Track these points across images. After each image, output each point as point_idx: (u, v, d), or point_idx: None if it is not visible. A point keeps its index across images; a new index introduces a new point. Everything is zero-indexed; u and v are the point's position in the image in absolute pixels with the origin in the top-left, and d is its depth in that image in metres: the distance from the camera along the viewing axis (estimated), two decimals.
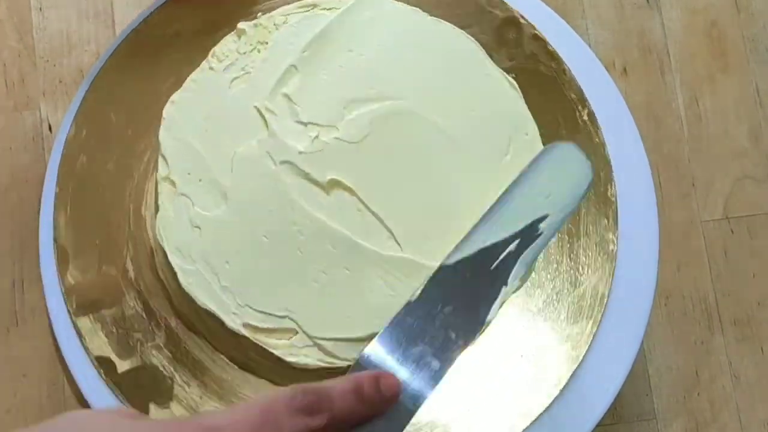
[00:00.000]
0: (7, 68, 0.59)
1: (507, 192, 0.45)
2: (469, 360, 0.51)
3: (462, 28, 0.54)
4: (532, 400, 0.50)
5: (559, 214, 0.44)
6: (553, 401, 0.50)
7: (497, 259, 0.43)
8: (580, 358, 0.51)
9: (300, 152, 0.50)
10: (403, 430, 0.38)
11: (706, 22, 0.63)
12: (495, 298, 0.42)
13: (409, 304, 0.42)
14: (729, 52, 0.62)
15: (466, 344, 0.41)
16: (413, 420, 0.38)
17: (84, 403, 0.53)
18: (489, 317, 0.42)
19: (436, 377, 0.40)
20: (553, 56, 0.55)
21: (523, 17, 0.56)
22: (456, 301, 0.42)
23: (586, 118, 0.54)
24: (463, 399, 0.50)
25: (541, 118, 0.53)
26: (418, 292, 0.42)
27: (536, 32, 0.56)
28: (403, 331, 0.41)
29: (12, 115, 0.58)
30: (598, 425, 0.51)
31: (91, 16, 0.60)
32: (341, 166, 0.50)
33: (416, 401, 0.39)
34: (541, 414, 0.50)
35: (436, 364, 0.40)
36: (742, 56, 0.62)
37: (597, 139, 0.54)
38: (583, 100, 0.55)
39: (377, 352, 0.40)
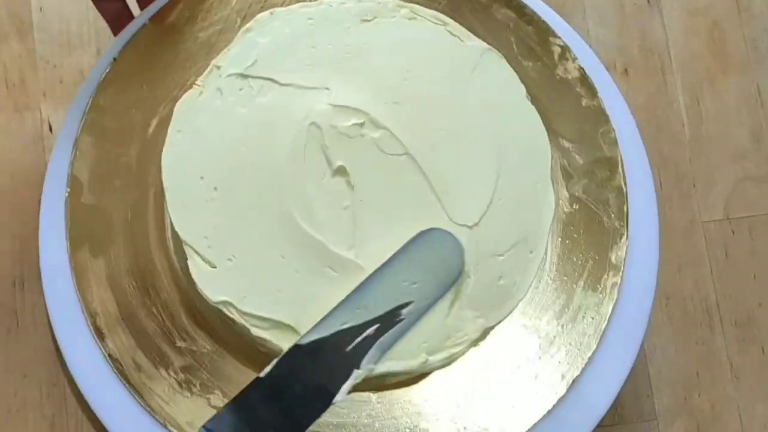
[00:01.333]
0: (7, 69, 0.59)
1: (373, 274, 0.44)
2: (471, 362, 0.51)
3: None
4: (534, 401, 0.50)
5: (423, 301, 0.44)
6: (555, 402, 0.50)
7: (353, 342, 0.42)
8: (582, 359, 0.51)
9: None
10: None
11: (707, 23, 0.62)
12: (345, 380, 0.42)
13: (258, 379, 0.41)
14: (730, 52, 0.62)
15: (309, 424, 0.41)
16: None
17: (84, 404, 0.53)
18: (337, 399, 0.41)
19: None
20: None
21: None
22: (306, 381, 0.41)
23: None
24: (464, 400, 0.50)
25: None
26: (269, 368, 0.41)
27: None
28: (248, 407, 0.40)
29: (12, 115, 0.58)
30: (599, 426, 0.51)
31: (91, 16, 0.60)
32: None
33: None
34: (542, 415, 0.50)
35: None
36: (743, 57, 0.62)
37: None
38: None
39: (221, 425, 0.40)
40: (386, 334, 0.43)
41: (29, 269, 0.56)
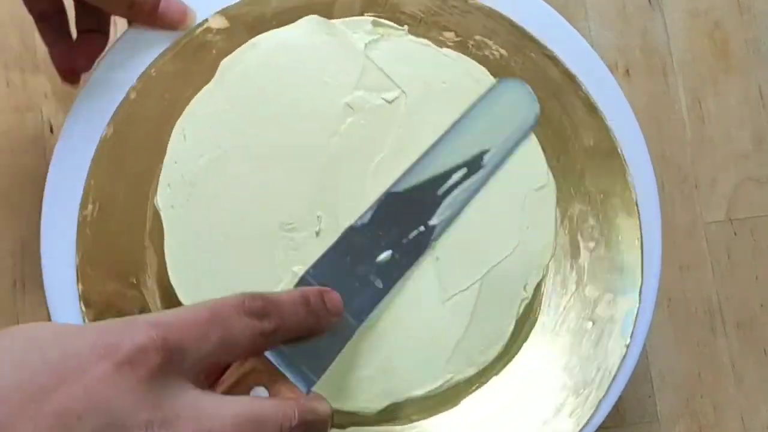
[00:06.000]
0: (8, 69, 0.59)
1: (456, 124, 0.48)
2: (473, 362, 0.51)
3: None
4: (534, 402, 0.50)
5: (501, 150, 0.48)
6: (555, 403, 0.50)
7: (443, 186, 0.46)
8: (583, 359, 0.51)
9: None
10: (345, 344, 0.40)
11: (708, 24, 0.62)
12: (439, 221, 0.46)
13: (355, 226, 0.44)
14: (732, 53, 0.62)
15: (409, 265, 0.45)
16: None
17: None
18: (432, 240, 0.45)
19: (378, 295, 0.43)
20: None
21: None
22: (402, 225, 0.45)
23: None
24: (463, 400, 0.50)
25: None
26: (368, 216, 0.44)
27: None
28: (348, 251, 0.43)
29: (13, 116, 0.58)
30: (601, 427, 0.50)
31: None
32: None
33: (359, 318, 0.41)
34: (543, 417, 0.50)
35: (379, 283, 0.43)
36: (745, 58, 0.62)
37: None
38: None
39: (322, 268, 0.42)
40: (472, 178, 0.47)
41: (30, 270, 0.56)
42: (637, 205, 0.52)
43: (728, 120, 0.61)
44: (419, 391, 0.47)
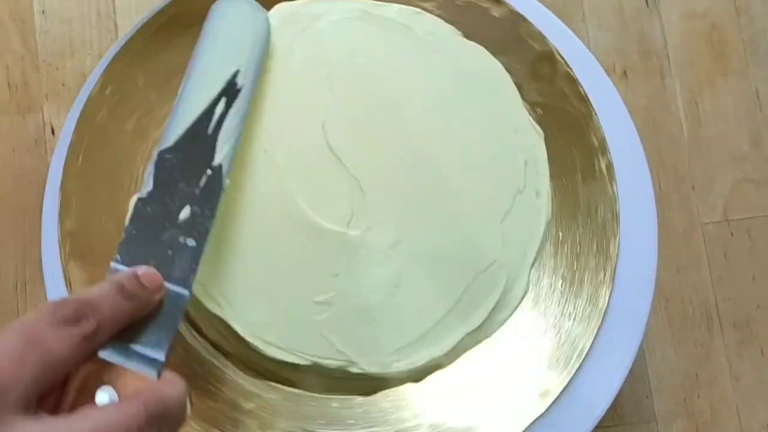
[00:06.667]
0: (10, 71, 0.59)
1: (193, 60, 0.46)
2: (469, 361, 0.51)
3: (496, 55, 0.53)
4: (533, 402, 0.50)
5: (250, 65, 0.46)
6: (553, 403, 0.50)
7: (210, 124, 0.44)
8: (581, 360, 0.51)
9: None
10: (181, 315, 0.38)
11: (705, 26, 0.63)
12: (222, 158, 0.44)
13: (142, 196, 0.42)
14: (729, 55, 0.62)
15: (213, 213, 0.42)
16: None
17: None
18: (224, 178, 0.43)
19: (195, 254, 0.41)
20: (583, 98, 0.54)
21: (559, 53, 0.55)
22: (187, 177, 0.43)
23: (603, 167, 0.54)
24: (462, 401, 0.50)
25: (558, 160, 0.53)
26: (150, 182, 0.42)
27: (569, 70, 0.55)
28: (147, 222, 0.41)
29: (15, 118, 0.58)
30: (598, 427, 0.51)
31: (93, 19, 0.60)
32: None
33: (186, 284, 0.39)
34: (541, 416, 0.50)
35: (191, 241, 0.41)
36: (741, 60, 0.62)
37: (611, 191, 0.53)
38: (604, 148, 0.54)
39: (128, 250, 0.40)
40: (234, 104, 0.45)
41: (31, 271, 0.56)
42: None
43: (725, 122, 0.61)
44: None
